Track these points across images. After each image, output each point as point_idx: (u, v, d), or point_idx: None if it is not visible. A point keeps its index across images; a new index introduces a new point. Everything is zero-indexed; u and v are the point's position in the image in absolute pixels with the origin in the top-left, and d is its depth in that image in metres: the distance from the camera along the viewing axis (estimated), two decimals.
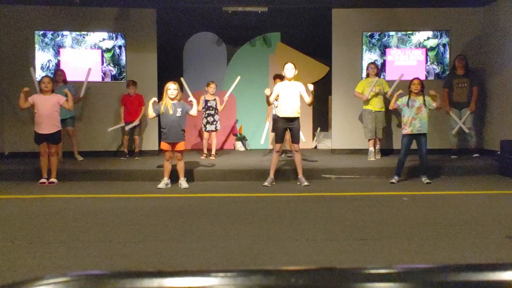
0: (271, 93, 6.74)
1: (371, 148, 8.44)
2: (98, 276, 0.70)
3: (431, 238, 3.97)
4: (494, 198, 5.88)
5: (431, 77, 9.33)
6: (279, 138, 6.78)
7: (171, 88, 6.50)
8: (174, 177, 6.73)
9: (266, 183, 6.65)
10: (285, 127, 6.71)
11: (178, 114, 6.50)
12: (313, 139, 10.69)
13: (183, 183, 6.61)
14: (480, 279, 0.69)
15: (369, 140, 8.49)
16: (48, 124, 6.80)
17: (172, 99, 6.51)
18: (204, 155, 8.68)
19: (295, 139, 6.73)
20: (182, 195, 6.08)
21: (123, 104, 8.79)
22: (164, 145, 6.58)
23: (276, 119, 8.54)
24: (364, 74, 9.30)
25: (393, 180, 6.77)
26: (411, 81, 6.82)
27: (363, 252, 3.62)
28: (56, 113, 6.90)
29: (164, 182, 6.56)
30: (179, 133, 6.56)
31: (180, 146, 6.59)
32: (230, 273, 0.68)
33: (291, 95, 6.58)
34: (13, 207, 5.41)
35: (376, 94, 8.35)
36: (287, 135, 7.38)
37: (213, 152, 8.75)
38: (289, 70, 6.62)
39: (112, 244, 3.83)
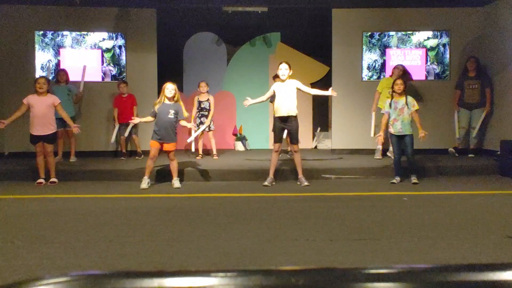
0: (253, 102, 6.79)
1: (379, 146, 8.37)
2: (98, 276, 0.70)
3: (431, 238, 3.97)
4: (494, 198, 5.87)
5: (431, 77, 9.34)
6: (277, 138, 6.70)
7: (170, 88, 6.48)
8: (166, 176, 6.70)
9: (266, 183, 6.64)
10: (282, 127, 6.65)
11: (171, 115, 6.44)
12: (313, 139, 10.69)
13: (175, 183, 6.59)
14: (480, 279, 0.69)
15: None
16: (42, 125, 6.75)
17: (169, 99, 6.49)
18: (200, 155, 8.65)
19: (293, 140, 6.66)
20: (182, 195, 6.08)
21: (115, 106, 8.78)
22: (153, 143, 6.50)
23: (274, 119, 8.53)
24: (364, 74, 9.31)
25: (394, 181, 6.77)
26: (394, 81, 6.87)
27: (363, 252, 3.62)
28: (51, 114, 6.85)
29: (145, 181, 6.48)
30: (170, 133, 6.49)
31: (170, 146, 6.53)
32: (230, 273, 0.68)
33: (286, 94, 6.53)
34: (13, 207, 5.41)
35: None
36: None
37: (214, 151, 8.73)
38: (282, 70, 6.52)
39: (112, 244, 3.83)
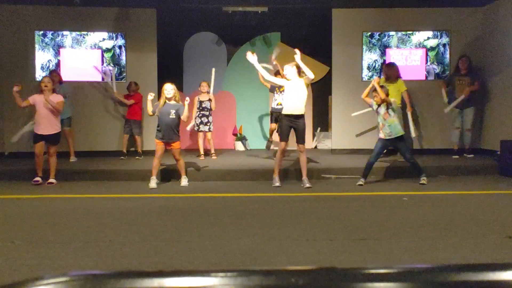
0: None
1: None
2: (98, 276, 0.70)
3: (431, 238, 3.97)
4: (494, 198, 5.87)
5: (431, 77, 9.33)
6: (285, 137, 6.55)
7: (168, 88, 6.58)
8: (165, 176, 6.71)
9: (277, 184, 6.51)
10: (290, 126, 6.50)
11: (172, 116, 6.53)
12: (313, 139, 10.69)
13: (183, 181, 6.69)
14: (480, 279, 0.69)
15: None
16: (47, 124, 6.78)
17: (168, 99, 6.57)
18: (202, 156, 8.66)
19: (300, 139, 6.54)
20: (182, 195, 6.08)
21: (126, 98, 8.81)
22: (158, 142, 6.63)
23: (274, 114, 8.50)
24: (364, 74, 9.31)
25: (360, 182, 6.59)
26: (373, 91, 6.55)
27: (363, 252, 3.62)
28: (56, 113, 6.88)
29: (154, 181, 6.52)
30: (172, 133, 6.59)
31: (175, 144, 6.62)
32: (230, 273, 0.68)
33: (296, 92, 6.40)
34: (13, 207, 5.41)
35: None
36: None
37: (212, 151, 8.74)
38: (288, 71, 6.49)
39: (112, 244, 3.83)
